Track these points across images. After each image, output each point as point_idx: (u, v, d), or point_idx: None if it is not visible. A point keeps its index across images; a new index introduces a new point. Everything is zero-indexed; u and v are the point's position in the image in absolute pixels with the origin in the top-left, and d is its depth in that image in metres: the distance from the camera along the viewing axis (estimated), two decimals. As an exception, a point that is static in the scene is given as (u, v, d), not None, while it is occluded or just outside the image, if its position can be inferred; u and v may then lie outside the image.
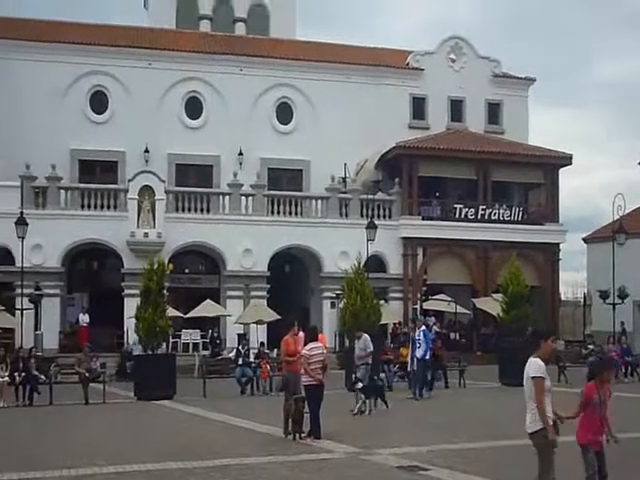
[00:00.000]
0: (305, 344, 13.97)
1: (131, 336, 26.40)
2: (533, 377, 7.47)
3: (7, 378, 20.70)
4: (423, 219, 36.77)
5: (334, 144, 37.30)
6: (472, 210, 37.39)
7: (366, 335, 19.56)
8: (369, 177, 38.27)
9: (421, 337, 20.50)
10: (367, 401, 17.31)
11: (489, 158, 37.67)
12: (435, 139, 38.35)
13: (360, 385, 17.47)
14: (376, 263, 34.43)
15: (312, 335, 14.23)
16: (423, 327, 21.03)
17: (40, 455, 12.20)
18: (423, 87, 40.53)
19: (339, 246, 34.45)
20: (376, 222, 32.31)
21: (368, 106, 38.63)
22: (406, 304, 35.95)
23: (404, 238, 36.25)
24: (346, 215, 36.11)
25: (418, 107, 40.60)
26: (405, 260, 36.41)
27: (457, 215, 37.26)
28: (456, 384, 23.99)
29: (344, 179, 37.80)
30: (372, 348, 19.29)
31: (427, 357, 20.71)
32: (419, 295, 36.00)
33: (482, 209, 37.42)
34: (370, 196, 36.13)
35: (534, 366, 7.51)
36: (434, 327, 33.77)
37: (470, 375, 24.82)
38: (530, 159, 38.32)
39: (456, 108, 41.20)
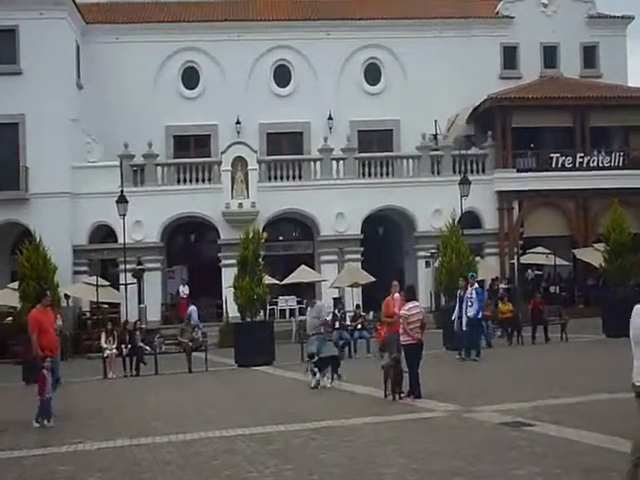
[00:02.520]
0: (402, 304, 13.92)
1: (230, 306, 26.84)
2: None
3: (115, 350, 21.48)
4: (518, 171, 35.77)
5: (424, 101, 36.66)
6: (569, 159, 36.12)
7: (320, 302, 17.81)
8: (461, 132, 37.49)
9: (473, 295, 19.75)
10: (320, 374, 15.52)
11: (586, 103, 36.21)
12: (528, 88, 37.19)
13: (315, 359, 15.73)
14: (471, 219, 33.84)
15: (410, 294, 14.18)
16: (475, 285, 20.27)
17: (149, 422, 12.58)
18: (514, 35, 39.23)
19: (432, 204, 33.99)
20: (469, 177, 31.65)
21: (457, 60, 37.75)
22: (503, 259, 35.27)
23: (499, 192, 35.43)
24: (438, 172, 35.53)
25: (509, 56, 39.42)
26: (500, 214, 35.61)
27: (554, 165, 36.06)
28: (558, 338, 23.37)
29: (435, 136, 37.22)
30: (327, 317, 17.31)
31: (479, 316, 20.02)
32: (516, 249, 35.24)
33: (580, 157, 36.10)
34: (462, 151, 35.38)
35: None
36: (501, 284, 31.99)
37: (572, 329, 24.11)
38: (630, 101, 36.57)
39: (549, 54, 39.71)
